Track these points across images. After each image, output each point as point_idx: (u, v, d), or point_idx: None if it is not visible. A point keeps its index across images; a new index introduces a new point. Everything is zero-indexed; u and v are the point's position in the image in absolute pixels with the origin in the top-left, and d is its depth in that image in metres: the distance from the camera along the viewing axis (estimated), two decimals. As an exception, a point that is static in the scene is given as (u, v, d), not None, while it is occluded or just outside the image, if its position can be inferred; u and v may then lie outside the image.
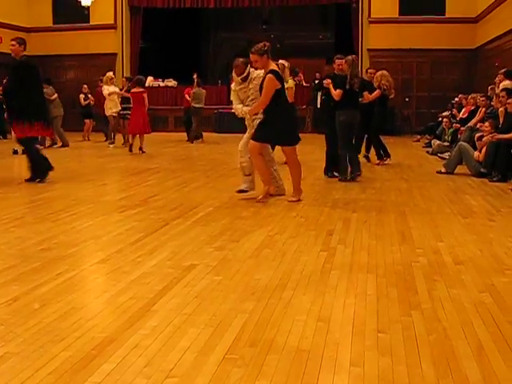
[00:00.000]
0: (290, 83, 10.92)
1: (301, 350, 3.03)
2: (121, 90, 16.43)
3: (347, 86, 9.20)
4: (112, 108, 16.25)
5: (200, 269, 4.51)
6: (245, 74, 7.53)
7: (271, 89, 7.11)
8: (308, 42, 27.52)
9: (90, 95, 18.24)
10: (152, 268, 4.54)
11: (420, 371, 2.81)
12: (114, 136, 16.51)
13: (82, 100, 18.26)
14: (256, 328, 3.33)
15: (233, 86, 7.93)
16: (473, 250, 5.09)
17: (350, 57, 9.53)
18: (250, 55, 7.22)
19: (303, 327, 3.35)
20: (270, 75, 7.10)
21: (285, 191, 7.84)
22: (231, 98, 8.07)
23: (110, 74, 17.26)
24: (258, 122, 7.52)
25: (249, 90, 7.63)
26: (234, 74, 7.72)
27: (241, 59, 7.62)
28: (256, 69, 7.50)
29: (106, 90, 16.31)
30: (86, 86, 18.58)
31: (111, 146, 16.16)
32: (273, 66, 7.26)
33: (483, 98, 12.75)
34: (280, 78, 7.25)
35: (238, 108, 7.73)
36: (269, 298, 3.85)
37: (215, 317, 3.51)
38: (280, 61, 7.40)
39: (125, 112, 15.75)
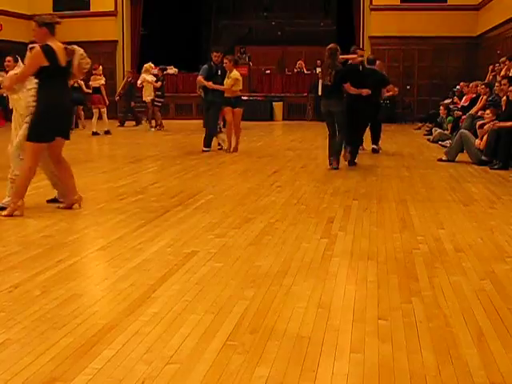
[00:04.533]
0: (236, 74, 11.17)
1: (301, 337, 3.04)
2: (156, 79, 17.40)
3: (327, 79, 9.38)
4: (149, 95, 17.27)
5: (200, 256, 4.51)
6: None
7: (32, 63, 6.01)
8: (309, 29, 27.38)
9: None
10: (152, 255, 4.54)
11: (420, 358, 2.81)
12: (151, 121, 17.66)
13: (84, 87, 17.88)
14: (256, 315, 3.34)
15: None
16: (473, 238, 5.08)
17: (330, 46, 9.49)
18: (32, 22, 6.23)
19: (304, 314, 3.35)
20: (36, 47, 5.98)
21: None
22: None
23: (150, 64, 17.74)
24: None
25: None
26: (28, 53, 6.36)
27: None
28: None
29: (143, 78, 17.24)
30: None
31: (152, 129, 17.40)
32: (53, 43, 6.00)
33: (483, 86, 12.72)
34: (51, 55, 5.92)
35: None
36: (269, 284, 3.85)
37: (216, 303, 3.51)
38: (74, 46, 6.42)
39: (157, 99, 17.23)
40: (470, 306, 3.49)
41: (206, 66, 11.90)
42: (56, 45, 6.01)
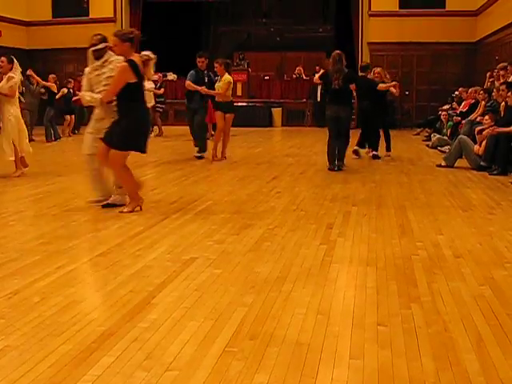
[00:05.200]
0: (228, 77, 10.96)
1: (300, 343, 3.03)
2: (156, 86, 17.67)
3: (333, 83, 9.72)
4: (149, 102, 17.05)
5: (200, 262, 4.51)
6: (104, 58, 6.65)
7: (120, 79, 6.21)
8: (308, 35, 27.43)
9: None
10: (152, 261, 4.54)
11: (419, 364, 2.81)
12: (152, 127, 17.55)
13: (60, 94, 17.82)
14: (256, 321, 3.33)
15: (87, 69, 6.90)
16: (473, 243, 5.08)
17: (333, 53, 9.95)
18: (112, 37, 6.38)
19: (303, 320, 3.35)
20: (123, 63, 6.22)
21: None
22: (82, 84, 7.11)
23: None
24: (102, 124, 6.58)
25: (102, 74, 6.64)
26: (90, 56, 6.75)
27: (99, 36, 6.75)
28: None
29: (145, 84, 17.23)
30: (71, 79, 18.49)
31: (152, 134, 17.35)
32: (134, 56, 6.29)
33: (482, 92, 12.74)
34: (137, 70, 6.22)
35: (85, 95, 6.74)
36: (268, 291, 3.85)
37: (215, 310, 3.51)
38: (144, 52, 6.66)
39: (159, 105, 17.58)
40: (469, 311, 3.49)
41: (192, 71, 11.66)
42: (136, 58, 6.26)
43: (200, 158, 11.44)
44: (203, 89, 11.26)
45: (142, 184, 6.68)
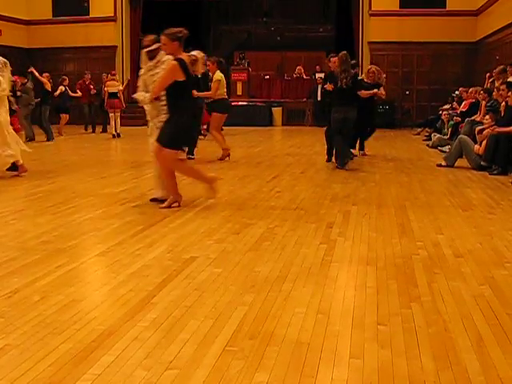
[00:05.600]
0: (217, 75, 10.72)
1: (300, 343, 3.03)
2: None
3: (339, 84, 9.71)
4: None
5: (200, 261, 4.51)
6: (157, 58, 6.76)
7: (169, 76, 6.33)
8: (308, 34, 27.47)
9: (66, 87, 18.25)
10: (152, 260, 4.54)
11: (419, 363, 2.81)
12: None
13: (58, 91, 17.81)
14: (256, 320, 3.33)
15: (142, 71, 7.04)
16: (473, 243, 5.08)
17: (340, 53, 9.93)
18: (161, 36, 6.48)
19: (303, 319, 3.35)
20: (173, 62, 6.35)
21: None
22: (138, 84, 7.23)
23: None
24: (157, 122, 6.78)
25: (156, 74, 6.72)
26: (144, 57, 6.93)
27: (152, 37, 6.85)
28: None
29: None
30: (66, 77, 18.52)
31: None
32: (183, 55, 6.47)
33: (483, 92, 12.73)
34: (186, 69, 6.37)
35: (139, 95, 6.89)
36: (268, 290, 3.85)
37: (215, 309, 3.51)
38: (193, 52, 6.76)
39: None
40: (469, 311, 3.49)
41: None
42: (185, 56, 6.45)
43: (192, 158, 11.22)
44: (194, 92, 11.00)
45: (215, 178, 6.87)
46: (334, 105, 9.87)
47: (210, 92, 10.72)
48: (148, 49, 6.76)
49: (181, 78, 6.30)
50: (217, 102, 10.88)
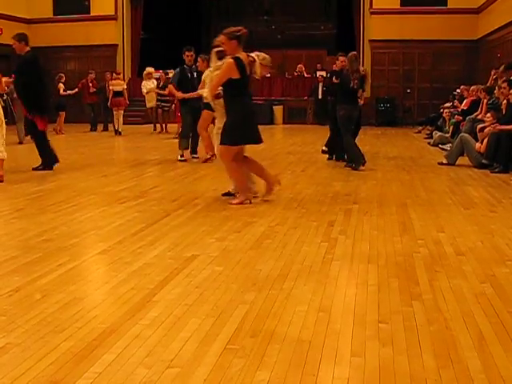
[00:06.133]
0: (204, 75, 10.16)
1: (302, 341, 3.03)
2: (158, 85, 17.90)
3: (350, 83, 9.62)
4: (150, 101, 18.01)
5: (201, 259, 4.51)
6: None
7: (225, 74, 6.46)
8: (309, 33, 27.44)
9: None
10: (153, 259, 4.54)
11: (421, 361, 2.81)
12: (155, 124, 18.52)
13: (62, 90, 18.00)
14: (257, 318, 3.33)
15: (210, 69, 7.19)
16: (474, 241, 5.08)
17: (350, 54, 9.91)
18: (220, 36, 6.62)
19: (304, 318, 3.35)
20: (229, 60, 6.46)
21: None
22: (207, 82, 7.35)
23: (149, 69, 18.21)
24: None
25: None
26: (214, 57, 7.13)
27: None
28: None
29: (144, 86, 17.93)
30: (62, 74, 18.55)
31: (154, 132, 18.15)
32: (241, 54, 6.52)
33: (483, 91, 12.70)
34: (242, 68, 6.44)
35: (205, 91, 7.12)
36: (270, 288, 3.85)
37: (216, 307, 3.51)
38: (256, 52, 6.81)
39: (163, 104, 17.75)
40: (470, 309, 3.49)
41: (177, 69, 11.01)
42: (243, 56, 6.52)
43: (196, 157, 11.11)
44: (180, 94, 10.71)
45: (278, 181, 7.02)
46: (340, 103, 9.74)
47: (195, 92, 10.23)
48: (218, 49, 6.91)
49: (236, 75, 6.41)
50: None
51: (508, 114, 9.88)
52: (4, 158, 8.45)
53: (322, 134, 11.14)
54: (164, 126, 18.28)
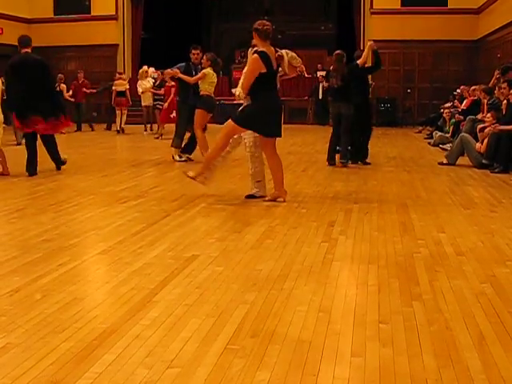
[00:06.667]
0: (206, 70, 10.27)
1: (302, 341, 3.03)
2: (154, 84, 17.73)
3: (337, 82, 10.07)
4: (145, 101, 17.91)
5: (201, 260, 4.51)
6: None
7: (253, 70, 6.57)
8: (309, 33, 27.41)
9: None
10: (153, 259, 4.54)
11: (421, 362, 2.81)
12: (151, 125, 18.46)
13: (65, 93, 18.14)
14: (257, 319, 3.33)
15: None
16: (474, 241, 5.08)
17: (336, 52, 10.46)
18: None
19: (304, 318, 3.35)
20: (254, 55, 6.60)
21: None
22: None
23: (145, 68, 18.15)
24: None
25: None
26: (250, 55, 7.11)
27: None
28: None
29: (140, 86, 17.76)
30: (62, 75, 18.59)
31: (145, 133, 18.03)
32: (267, 48, 6.64)
33: (482, 92, 12.68)
34: (268, 61, 6.56)
35: (238, 90, 7.10)
36: (270, 288, 3.85)
37: (216, 307, 3.51)
38: (285, 50, 6.95)
39: (159, 103, 17.42)
40: (470, 309, 3.49)
41: (184, 63, 10.94)
42: (269, 50, 6.63)
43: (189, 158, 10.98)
44: (176, 72, 10.62)
45: (285, 192, 6.95)
46: (330, 101, 10.56)
47: (191, 78, 10.40)
48: (255, 49, 6.92)
49: (262, 69, 6.50)
50: (202, 98, 10.31)
51: (508, 114, 9.88)
52: None
53: (323, 134, 11.14)
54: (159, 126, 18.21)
